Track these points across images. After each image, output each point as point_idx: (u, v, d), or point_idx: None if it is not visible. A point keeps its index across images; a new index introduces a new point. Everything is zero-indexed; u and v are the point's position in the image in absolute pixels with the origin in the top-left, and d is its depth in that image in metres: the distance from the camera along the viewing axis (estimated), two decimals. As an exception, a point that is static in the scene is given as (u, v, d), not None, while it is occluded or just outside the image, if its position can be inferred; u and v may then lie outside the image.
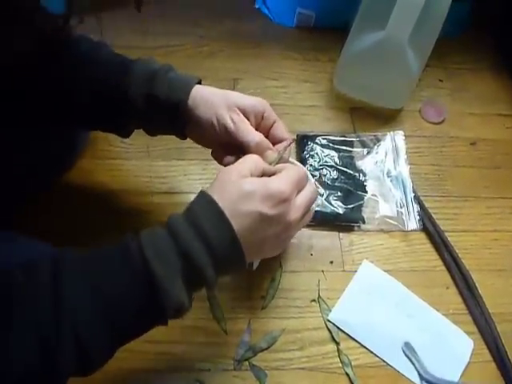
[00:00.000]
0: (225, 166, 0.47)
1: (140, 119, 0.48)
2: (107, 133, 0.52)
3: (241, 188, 0.38)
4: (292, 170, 0.42)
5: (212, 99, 0.45)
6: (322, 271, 0.59)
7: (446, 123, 0.77)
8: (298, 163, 0.57)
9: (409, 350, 0.54)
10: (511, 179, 0.72)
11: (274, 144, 0.46)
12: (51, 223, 0.57)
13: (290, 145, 0.47)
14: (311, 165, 0.66)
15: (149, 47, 0.78)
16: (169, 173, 0.65)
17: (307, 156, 0.67)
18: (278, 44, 0.85)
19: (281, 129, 0.47)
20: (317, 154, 0.67)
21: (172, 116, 0.46)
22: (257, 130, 0.46)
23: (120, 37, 0.77)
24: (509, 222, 0.67)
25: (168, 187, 0.64)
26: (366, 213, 0.63)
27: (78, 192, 0.62)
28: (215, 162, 0.50)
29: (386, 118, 0.75)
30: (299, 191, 0.42)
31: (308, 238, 0.61)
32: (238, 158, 0.44)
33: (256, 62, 0.81)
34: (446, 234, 0.63)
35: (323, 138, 0.69)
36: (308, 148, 0.67)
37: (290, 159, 0.50)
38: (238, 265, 0.39)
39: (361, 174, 0.66)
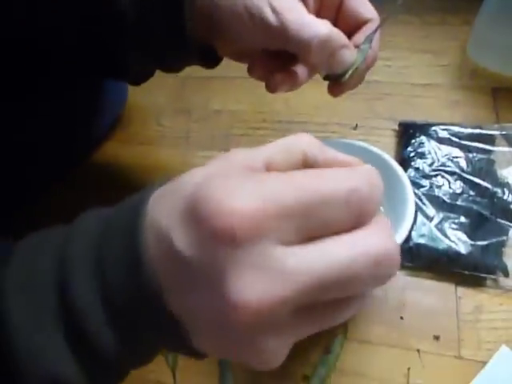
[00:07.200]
0: (271, 89, 0.29)
1: (134, 37, 0.31)
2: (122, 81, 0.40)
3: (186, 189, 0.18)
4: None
5: None
6: (418, 351, 0.34)
7: None
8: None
9: None
10: None
11: (348, 31, 0.29)
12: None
13: (377, 30, 0.28)
14: (418, 168, 0.41)
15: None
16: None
17: (413, 155, 0.42)
18: (384, 6, 0.62)
19: (359, 2, 0.29)
20: (429, 152, 0.42)
21: (175, 19, 0.29)
22: (318, 15, 0.28)
23: None
24: None
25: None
26: (510, 259, 0.37)
27: (95, 182, 0.49)
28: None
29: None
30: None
31: (399, 288, 0.37)
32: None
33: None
34: None
35: (442, 129, 0.43)
36: (415, 142, 0.43)
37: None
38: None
39: (505, 191, 0.40)
